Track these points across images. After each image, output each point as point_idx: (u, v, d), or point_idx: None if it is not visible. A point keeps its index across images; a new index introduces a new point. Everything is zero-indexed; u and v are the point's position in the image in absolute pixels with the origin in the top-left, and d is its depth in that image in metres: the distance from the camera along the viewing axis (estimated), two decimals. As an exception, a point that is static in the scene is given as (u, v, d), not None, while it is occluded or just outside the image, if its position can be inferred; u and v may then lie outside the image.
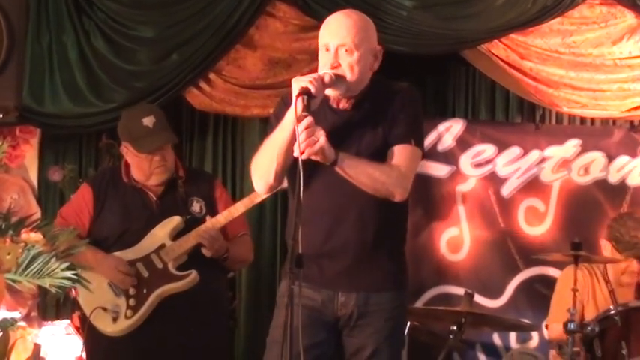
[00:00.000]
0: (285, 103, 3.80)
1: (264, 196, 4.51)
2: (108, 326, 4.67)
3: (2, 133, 5.93)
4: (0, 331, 2.64)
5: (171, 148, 4.87)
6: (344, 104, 3.81)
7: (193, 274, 4.68)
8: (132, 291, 4.68)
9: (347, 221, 3.78)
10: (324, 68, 3.70)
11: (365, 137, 3.78)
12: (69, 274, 2.61)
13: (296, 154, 3.52)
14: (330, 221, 3.78)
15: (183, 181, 4.86)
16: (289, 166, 3.70)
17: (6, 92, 5.28)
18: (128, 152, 4.82)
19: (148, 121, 4.76)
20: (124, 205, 4.81)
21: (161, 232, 4.74)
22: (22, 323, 5.52)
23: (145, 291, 4.68)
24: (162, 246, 4.71)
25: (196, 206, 4.83)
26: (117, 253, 4.73)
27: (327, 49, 3.74)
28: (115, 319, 4.65)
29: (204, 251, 4.69)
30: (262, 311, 5.93)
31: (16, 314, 5.58)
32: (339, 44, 3.71)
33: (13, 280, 2.57)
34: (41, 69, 5.90)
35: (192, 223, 4.74)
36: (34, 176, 6.22)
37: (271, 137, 3.72)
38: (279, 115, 3.77)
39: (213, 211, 4.80)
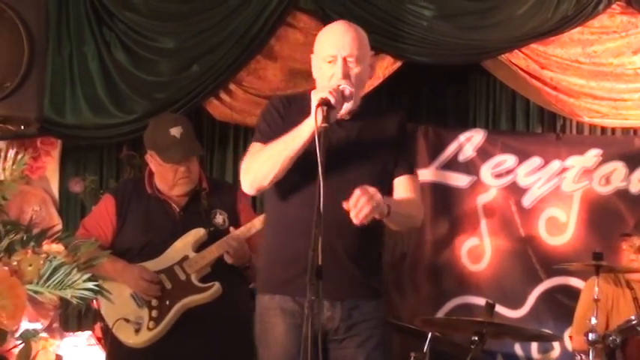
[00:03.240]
0: (274, 108, 3.84)
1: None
2: (130, 337, 4.66)
3: (23, 144, 5.95)
4: (22, 343, 2.64)
5: (197, 159, 4.87)
6: (344, 115, 3.73)
7: (216, 286, 4.66)
8: (154, 302, 4.67)
9: (342, 233, 3.67)
10: (332, 80, 3.69)
11: (366, 150, 3.81)
12: (90, 285, 2.60)
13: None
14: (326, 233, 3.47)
15: (206, 192, 4.84)
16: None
17: (27, 104, 5.27)
18: (153, 161, 4.81)
19: (176, 131, 4.73)
20: (147, 216, 4.79)
21: (184, 244, 4.72)
22: (44, 334, 5.53)
23: (167, 302, 4.66)
24: (185, 258, 4.70)
25: (219, 218, 4.80)
26: (140, 265, 4.73)
27: (332, 61, 3.73)
28: (137, 331, 4.64)
29: (227, 257, 4.67)
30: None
31: (38, 325, 5.60)
32: (347, 55, 3.72)
33: (35, 292, 2.56)
34: (62, 80, 5.91)
35: (215, 235, 4.73)
36: (55, 187, 6.24)
37: (281, 142, 3.64)
38: (270, 121, 3.81)
39: (236, 223, 4.76)
